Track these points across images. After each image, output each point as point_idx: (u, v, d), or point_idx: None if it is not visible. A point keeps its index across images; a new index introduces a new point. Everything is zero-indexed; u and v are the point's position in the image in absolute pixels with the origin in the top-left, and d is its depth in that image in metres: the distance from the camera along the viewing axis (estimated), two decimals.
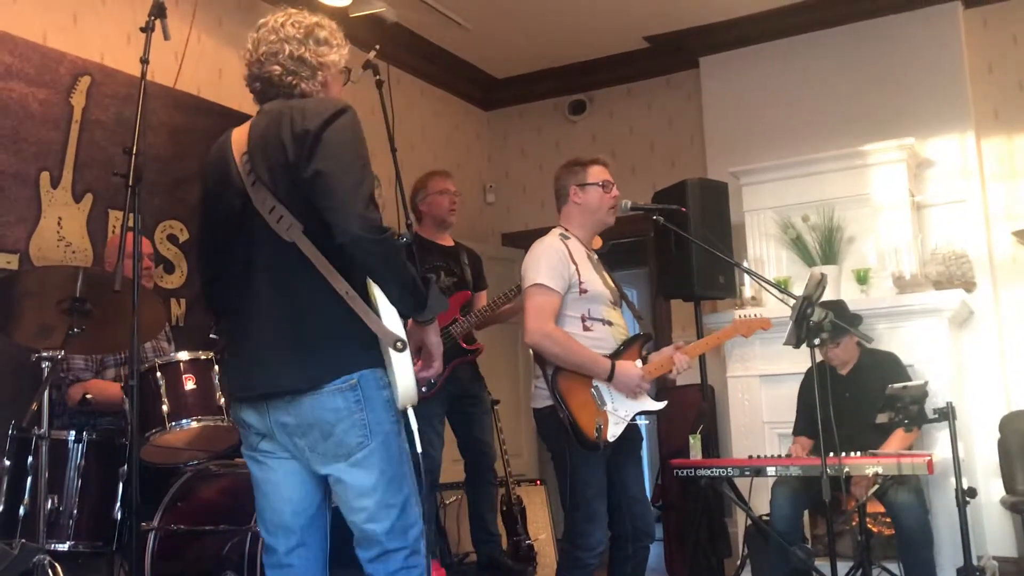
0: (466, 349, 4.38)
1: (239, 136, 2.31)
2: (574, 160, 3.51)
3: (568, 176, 3.47)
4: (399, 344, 2.10)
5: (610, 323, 3.34)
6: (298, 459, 2.23)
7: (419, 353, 2.33)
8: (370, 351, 2.16)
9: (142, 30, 2.77)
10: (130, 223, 2.60)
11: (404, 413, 2.21)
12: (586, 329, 3.27)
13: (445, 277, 4.44)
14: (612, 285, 3.44)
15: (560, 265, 3.24)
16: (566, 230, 3.43)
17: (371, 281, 2.15)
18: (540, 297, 3.21)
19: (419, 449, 2.19)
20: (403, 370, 2.13)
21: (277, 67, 2.26)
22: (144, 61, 2.75)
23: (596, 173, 3.44)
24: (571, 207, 3.46)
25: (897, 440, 4.12)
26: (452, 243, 4.60)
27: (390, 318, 2.12)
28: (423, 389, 4.05)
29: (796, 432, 4.53)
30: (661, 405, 3.32)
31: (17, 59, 3.76)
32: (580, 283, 3.26)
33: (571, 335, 3.22)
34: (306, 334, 2.14)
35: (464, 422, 4.43)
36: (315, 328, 2.13)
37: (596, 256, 3.48)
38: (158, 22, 2.78)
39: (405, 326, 2.19)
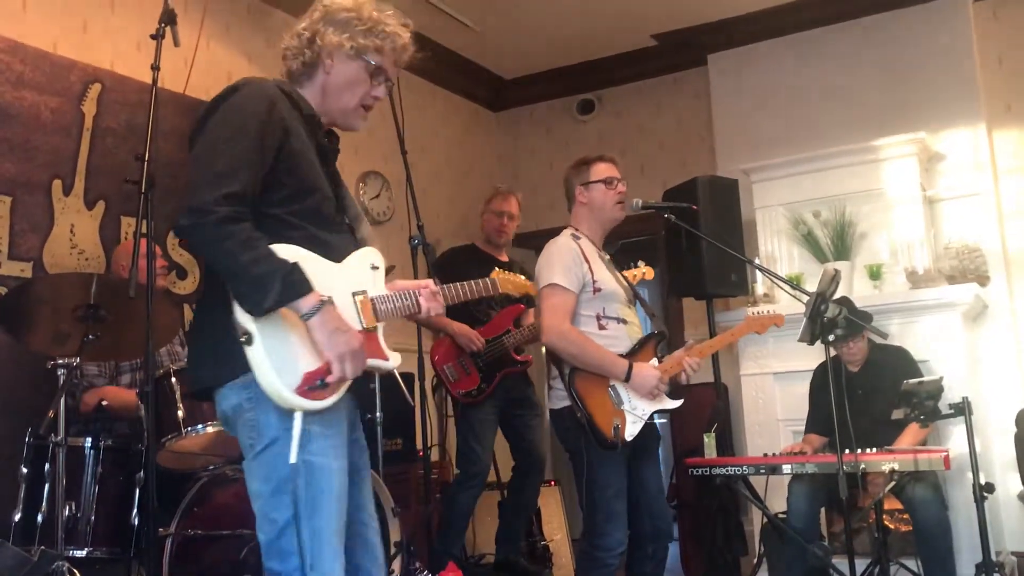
0: (516, 360, 4.47)
1: None
2: (580, 160, 3.52)
3: (573, 176, 3.49)
4: (244, 337, 1.88)
5: (625, 321, 3.33)
6: None
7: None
8: None
9: (152, 37, 2.79)
10: (143, 229, 2.61)
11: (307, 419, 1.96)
12: (601, 328, 3.27)
13: None
14: (625, 284, 3.43)
15: (574, 264, 3.25)
16: (576, 230, 3.43)
17: None
18: (555, 297, 3.22)
19: (291, 459, 1.90)
20: (258, 367, 1.89)
21: (285, 51, 2.19)
22: (155, 68, 2.77)
23: (600, 171, 3.44)
24: (578, 207, 3.47)
25: (910, 435, 4.10)
26: (507, 259, 4.70)
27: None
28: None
29: (807, 430, 4.51)
30: (678, 403, 3.31)
31: (28, 68, 3.78)
32: (594, 282, 3.26)
33: (586, 334, 3.22)
34: (213, 329, 2.00)
35: (519, 427, 4.54)
36: (221, 322, 1.95)
37: (608, 256, 3.48)
38: (168, 29, 2.80)
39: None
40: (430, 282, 2.26)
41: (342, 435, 2.03)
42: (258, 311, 1.88)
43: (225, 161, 1.91)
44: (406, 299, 2.19)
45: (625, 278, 3.47)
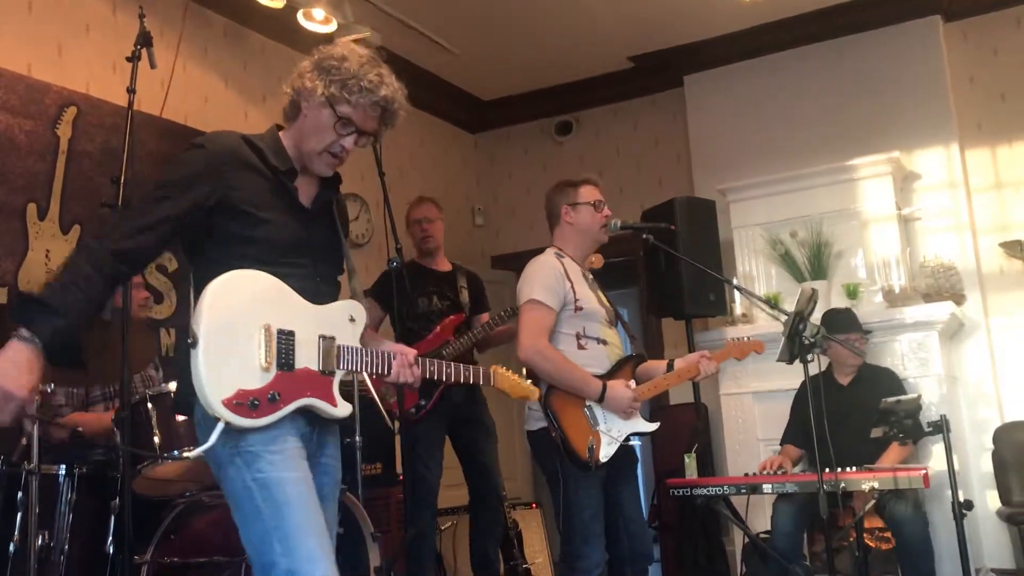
0: None
1: None
2: (564, 181, 3.51)
3: (559, 197, 3.48)
4: (191, 339, 1.94)
5: (605, 342, 3.33)
6: None
7: None
8: None
9: (128, 59, 2.78)
10: None
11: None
12: (580, 347, 3.26)
13: (438, 301, 4.45)
14: (607, 304, 3.43)
15: (555, 282, 3.24)
16: (560, 250, 3.43)
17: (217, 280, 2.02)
18: (534, 312, 3.21)
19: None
20: (195, 369, 1.93)
21: (286, 100, 2.26)
22: (131, 90, 2.75)
23: (587, 193, 3.44)
24: (564, 227, 3.47)
25: (893, 453, 4.12)
26: (449, 267, 4.61)
27: (198, 312, 1.97)
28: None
29: (785, 440, 4.52)
30: (654, 427, 3.31)
31: (2, 91, 3.75)
32: (575, 300, 3.26)
33: (565, 353, 3.21)
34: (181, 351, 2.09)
35: (469, 449, 4.42)
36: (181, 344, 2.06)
37: (591, 276, 3.48)
38: (144, 51, 2.79)
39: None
40: (411, 352, 2.31)
41: (290, 449, 2.04)
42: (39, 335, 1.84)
43: (138, 212, 2.04)
44: (376, 359, 2.24)
45: (608, 299, 3.47)
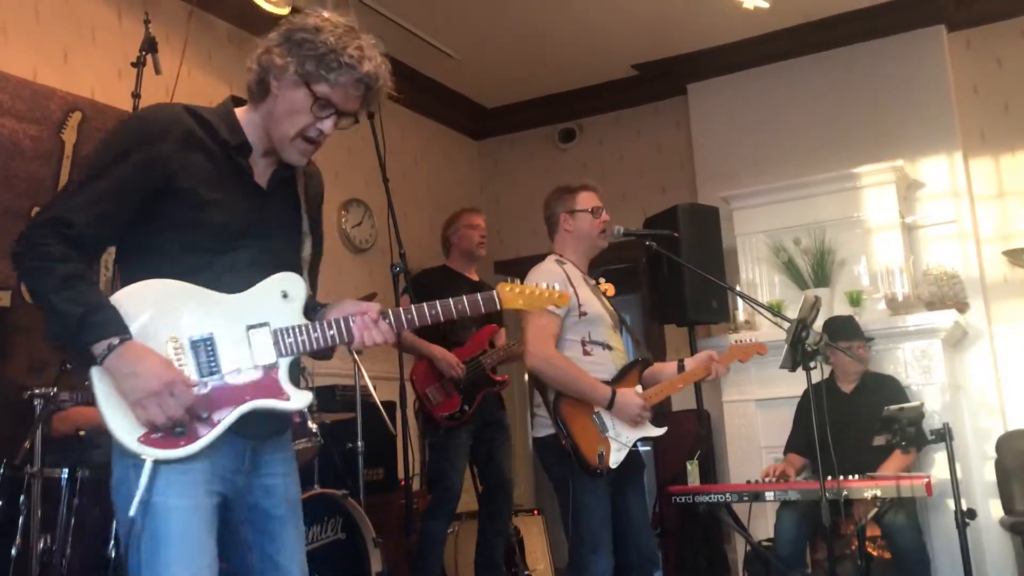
0: (495, 380, 4.45)
1: None
2: (562, 187, 3.51)
3: (557, 204, 3.47)
4: (88, 381, 1.77)
5: (610, 347, 3.32)
6: None
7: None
8: None
9: (133, 65, 2.79)
10: None
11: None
12: (586, 353, 3.25)
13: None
14: (611, 309, 3.43)
15: (559, 282, 3.25)
16: (561, 256, 3.43)
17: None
18: (540, 320, 3.20)
19: (131, 511, 1.75)
20: (102, 412, 1.77)
21: (251, 75, 1.95)
22: (135, 96, 2.77)
23: (585, 199, 3.44)
24: (563, 234, 3.47)
25: (895, 461, 4.12)
26: (477, 279, 4.68)
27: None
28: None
29: (788, 449, 4.52)
30: (662, 431, 3.30)
31: (8, 96, 3.76)
32: (579, 305, 3.25)
33: (571, 359, 3.21)
34: None
35: (488, 450, 4.48)
36: None
37: (594, 281, 3.48)
38: (149, 57, 2.80)
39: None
40: (373, 306, 1.97)
41: (199, 472, 1.81)
42: (74, 347, 1.77)
43: (74, 192, 1.82)
44: (327, 330, 1.92)
45: (611, 302, 3.47)
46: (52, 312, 1.74)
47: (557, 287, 2.22)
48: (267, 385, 1.87)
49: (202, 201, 1.86)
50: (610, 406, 3.17)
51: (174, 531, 1.77)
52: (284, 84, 1.89)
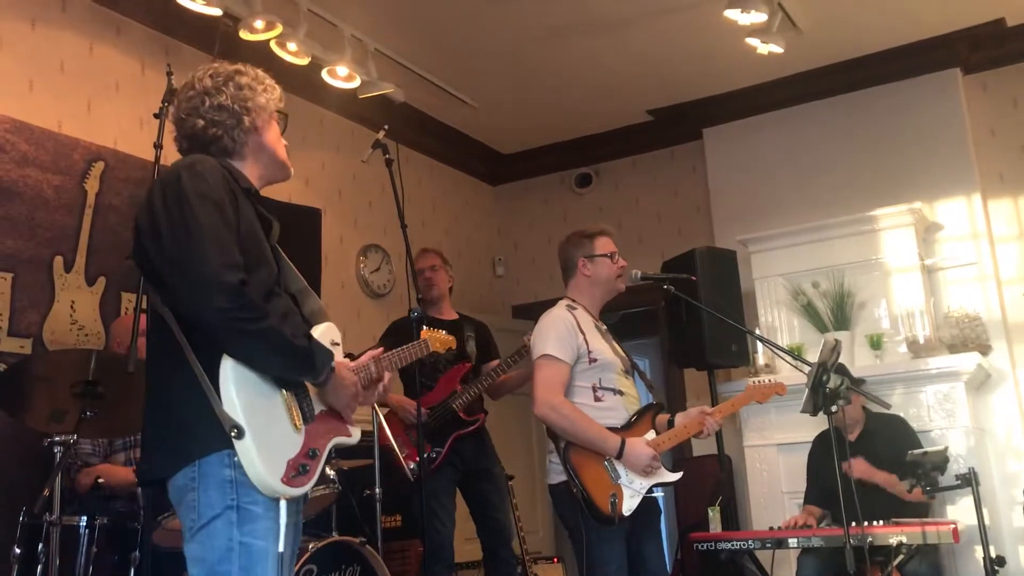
0: (465, 420, 4.32)
1: None
2: (579, 232, 3.51)
3: (575, 249, 3.47)
4: (234, 431, 1.87)
5: (622, 392, 3.30)
6: None
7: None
8: (221, 430, 1.91)
9: (156, 116, 2.83)
10: (143, 305, 2.61)
11: (276, 503, 1.94)
12: (597, 400, 3.23)
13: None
14: (622, 354, 3.41)
15: (568, 335, 3.23)
16: (573, 301, 3.43)
17: (228, 360, 1.92)
18: (548, 369, 3.20)
19: (280, 548, 1.92)
20: (247, 458, 1.88)
21: (200, 120, 2.12)
22: (158, 146, 2.80)
23: (603, 244, 3.44)
24: (580, 279, 3.46)
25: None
26: (456, 316, 4.60)
27: (229, 400, 1.89)
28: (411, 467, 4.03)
29: (806, 501, 4.46)
30: (677, 476, 3.26)
31: (33, 147, 3.83)
32: (589, 352, 3.24)
33: (581, 405, 3.19)
34: (169, 415, 1.97)
35: (477, 499, 4.36)
36: (176, 410, 1.96)
37: (605, 326, 3.47)
38: (171, 108, 2.84)
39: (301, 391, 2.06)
40: (377, 352, 2.30)
41: (283, 519, 1.94)
42: (322, 376, 2.04)
43: (207, 248, 1.89)
44: (367, 370, 2.25)
45: (623, 348, 3.46)
46: (284, 351, 1.96)
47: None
48: (338, 423, 2.15)
49: (257, 238, 2.05)
50: (619, 456, 3.14)
51: (256, 570, 1.91)
52: (265, 119, 2.20)
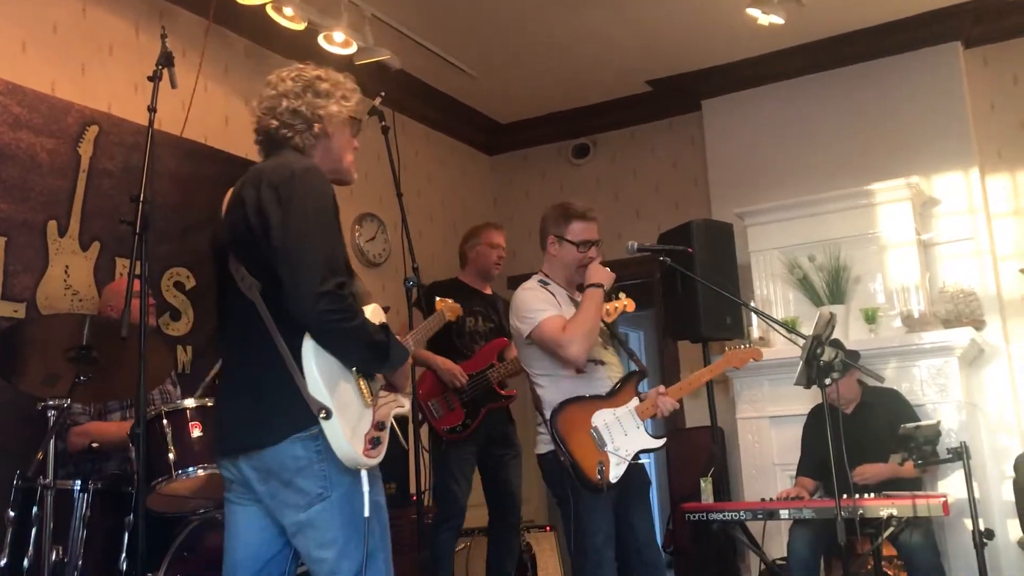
0: (500, 394, 4.41)
1: (228, 194, 2.39)
2: (563, 207, 3.45)
3: (551, 222, 3.44)
4: (323, 413, 2.07)
5: (602, 362, 3.32)
6: (262, 504, 2.24)
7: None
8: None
9: (150, 79, 2.80)
10: (137, 270, 2.60)
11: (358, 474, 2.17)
12: (578, 370, 3.24)
13: (483, 323, 4.52)
14: (600, 325, 3.41)
15: (546, 300, 3.27)
16: (546, 276, 3.42)
17: (308, 345, 2.11)
18: (547, 324, 3.19)
19: (365, 513, 2.14)
20: (334, 437, 2.09)
21: (274, 121, 2.32)
22: (151, 110, 2.77)
23: (577, 231, 3.39)
24: (548, 255, 3.45)
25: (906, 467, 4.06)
26: (491, 292, 4.68)
27: (315, 383, 2.09)
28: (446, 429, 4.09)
29: (799, 473, 4.49)
30: (660, 443, 3.28)
31: (25, 110, 3.79)
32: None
33: (562, 377, 3.23)
34: (266, 391, 2.15)
35: (494, 466, 4.43)
36: (274, 384, 2.13)
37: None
38: (165, 71, 2.81)
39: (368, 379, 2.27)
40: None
41: (366, 487, 2.18)
42: (396, 366, 2.28)
43: (323, 250, 2.12)
44: (407, 346, 2.43)
45: (602, 320, 3.45)
46: (370, 347, 2.19)
47: None
48: (395, 396, 2.36)
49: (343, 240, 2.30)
50: (603, 284, 3.23)
51: (384, 520, 2.24)
52: (337, 125, 2.36)
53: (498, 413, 4.42)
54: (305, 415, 2.08)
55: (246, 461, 2.18)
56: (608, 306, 3.54)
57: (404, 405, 2.40)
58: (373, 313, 2.33)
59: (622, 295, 3.58)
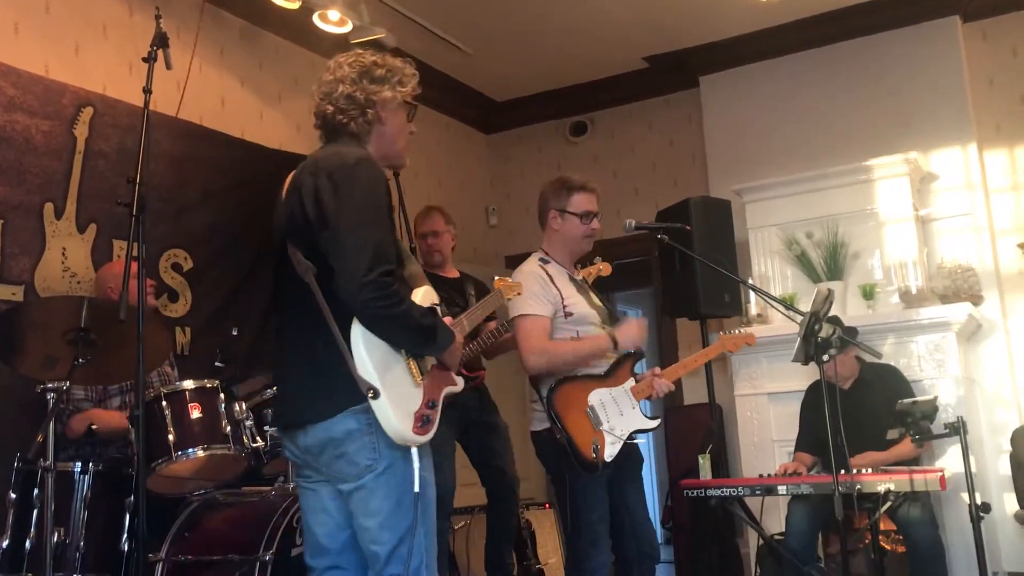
0: (467, 376, 4.32)
1: (287, 180, 2.46)
2: (562, 180, 3.44)
3: (551, 197, 3.42)
4: (371, 393, 2.16)
5: None
6: (329, 484, 2.34)
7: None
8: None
9: (144, 60, 2.78)
10: (134, 252, 2.60)
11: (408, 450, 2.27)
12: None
13: (446, 308, 4.41)
14: (599, 305, 3.41)
15: (542, 291, 3.24)
16: (546, 254, 3.41)
17: (356, 327, 2.21)
18: (527, 324, 3.22)
19: (415, 488, 2.22)
20: (384, 416, 2.18)
21: (330, 106, 2.40)
22: (147, 91, 2.75)
23: (579, 202, 3.37)
24: (549, 231, 3.43)
25: (904, 447, 4.07)
26: (456, 274, 4.56)
27: (363, 364, 2.18)
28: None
29: (798, 448, 4.51)
30: (656, 423, 3.31)
31: (20, 91, 3.77)
32: (564, 306, 3.25)
33: None
34: (322, 369, 2.25)
35: (480, 451, 4.38)
36: (329, 363, 2.22)
37: (581, 278, 3.46)
38: (160, 52, 2.79)
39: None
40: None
41: (416, 464, 2.27)
42: (443, 349, 2.35)
43: (374, 238, 2.19)
44: (461, 326, 2.59)
45: (601, 299, 3.45)
46: (415, 331, 2.27)
47: None
48: (447, 375, 2.44)
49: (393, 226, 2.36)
50: (616, 345, 3.23)
51: (434, 498, 2.34)
52: (391, 111, 2.42)
53: (469, 395, 4.15)
54: (357, 391, 2.17)
55: (303, 436, 2.29)
56: (583, 272, 3.52)
57: (457, 384, 2.48)
58: (424, 296, 2.41)
59: (597, 259, 3.56)
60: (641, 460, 3.41)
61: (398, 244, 2.42)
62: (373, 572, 2.27)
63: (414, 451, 2.23)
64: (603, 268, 3.59)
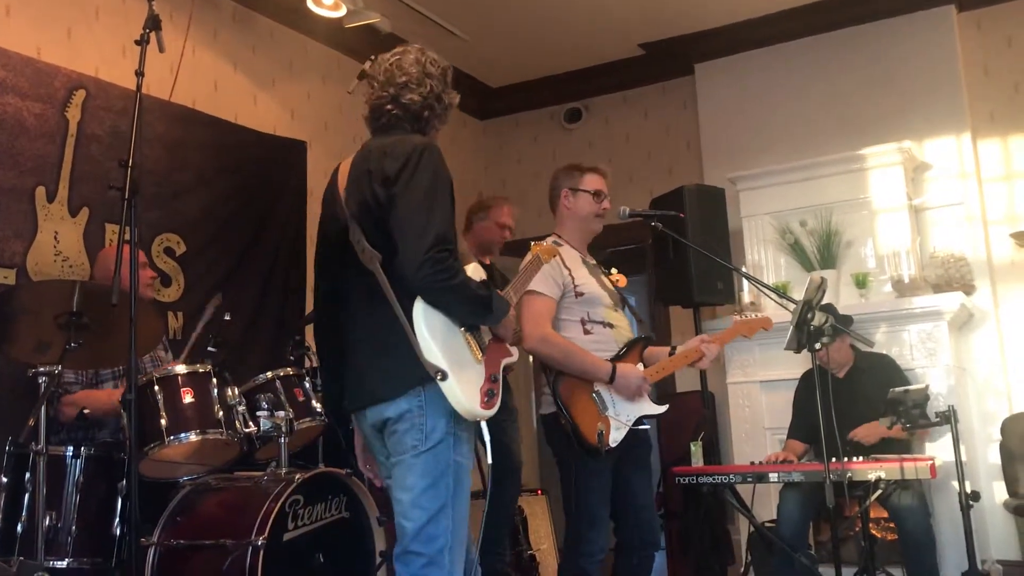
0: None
1: (345, 168, 2.55)
2: (573, 164, 3.51)
3: (563, 178, 3.47)
4: (439, 375, 2.24)
5: (611, 325, 3.32)
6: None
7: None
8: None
9: (137, 43, 2.76)
10: (127, 236, 2.59)
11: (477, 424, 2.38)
12: (586, 332, 3.26)
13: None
14: (611, 288, 3.42)
15: (552, 271, 3.23)
16: (559, 237, 3.43)
17: (417, 311, 2.29)
18: (534, 304, 3.20)
19: (489, 460, 2.39)
20: (453, 395, 2.27)
21: (417, 97, 2.52)
22: (139, 74, 2.74)
23: (590, 181, 3.43)
24: (562, 212, 3.46)
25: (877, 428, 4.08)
26: (489, 262, 4.56)
27: (428, 347, 2.26)
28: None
29: (790, 436, 4.53)
30: (663, 409, 3.30)
31: (11, 73, 3.75)
32: (575, 286, 3.25)
33: (572, 339, 3.21)
34: (385, 353, 2.35)
35: (494, 433, 4.36)
36: (393, 346, 2.32)
37: (594, 261, 3.47)
38: (153, 35, 2.77)
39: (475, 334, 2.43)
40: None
41: (487, 435, 2.41)
42: (499, 320, 2.45)
43: (439, 223, 2.30)
44: (509, 297, 2.65)
45: (613, 283, 3.46)
46: (473, 301, 2.36)
47: None
48: (503, 347, 2.54)
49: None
50: (611, 380, 3.16)
51: (469, 486, 2.41)
52: (446, 105, 2.63)
53: None
54: (413, 375, 2.27)
55: (366, 417, 2.42)
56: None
57: (513, 355, 2.55)
58: (473, 271, 2.48)
59: (614, 270, 3.57)
60: (649, 446, 3.42)
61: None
62: (400, 546, 2.34)
63: (484, 427, 2.37)
64: (620, 279, 3.60)
